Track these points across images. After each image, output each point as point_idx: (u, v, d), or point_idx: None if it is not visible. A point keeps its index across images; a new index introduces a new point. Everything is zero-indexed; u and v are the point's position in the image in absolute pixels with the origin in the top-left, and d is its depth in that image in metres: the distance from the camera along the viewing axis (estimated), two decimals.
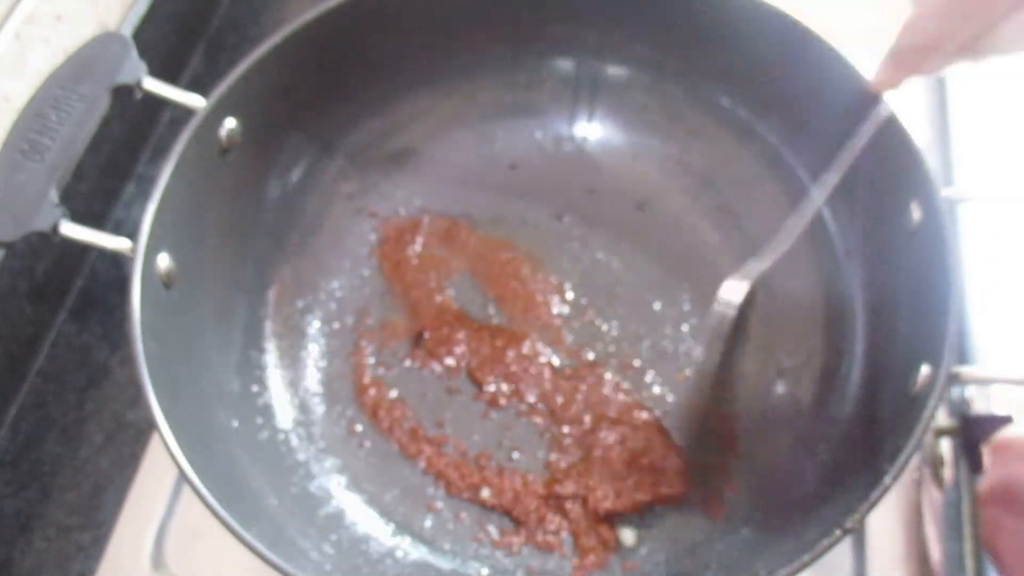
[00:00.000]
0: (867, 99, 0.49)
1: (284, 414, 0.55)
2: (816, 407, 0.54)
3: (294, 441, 0.55)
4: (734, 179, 0.61)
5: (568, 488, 0.52)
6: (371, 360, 0.57)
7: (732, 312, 0.53)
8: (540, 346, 0.57)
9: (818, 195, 0.51)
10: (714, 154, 0.62)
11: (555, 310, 0.59)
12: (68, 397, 0.61)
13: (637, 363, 0.57)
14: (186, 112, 0.50)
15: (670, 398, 0.56)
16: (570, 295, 0.59)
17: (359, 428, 0.56)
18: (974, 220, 0.60)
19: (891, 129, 0.49)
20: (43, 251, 0.61)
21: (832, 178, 0.50)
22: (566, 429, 0.55)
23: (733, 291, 0.53)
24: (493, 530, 0.52)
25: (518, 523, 0.52)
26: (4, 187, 0.45)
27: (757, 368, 0.56)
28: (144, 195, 0.47)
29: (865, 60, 0.50)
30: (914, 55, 0.45)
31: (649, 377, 0.57)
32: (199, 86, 0.51)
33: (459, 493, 0.53)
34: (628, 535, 0.52)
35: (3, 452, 0.59)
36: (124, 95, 0.49)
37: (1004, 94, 0.68)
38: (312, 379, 0.57)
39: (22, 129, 0.46)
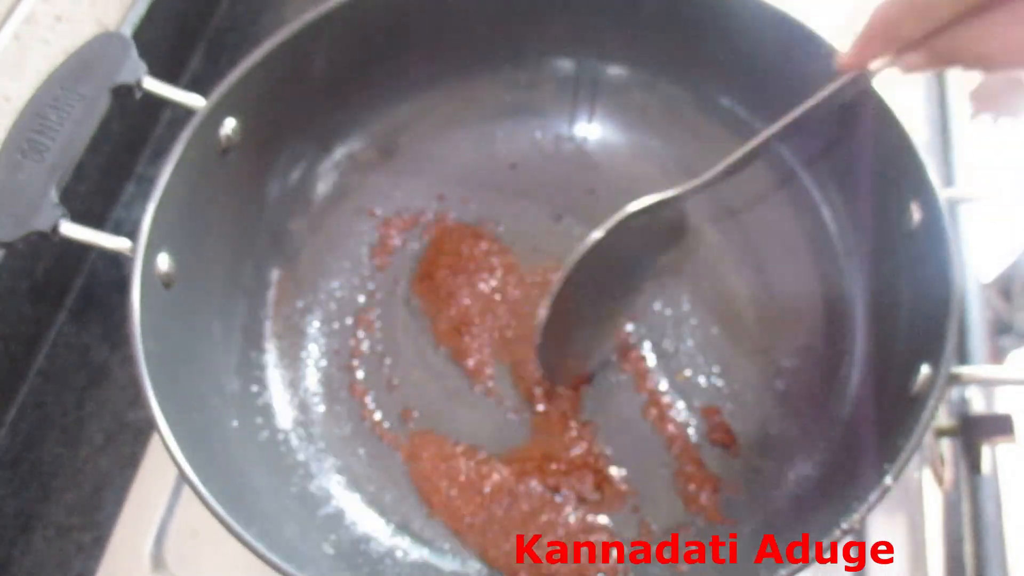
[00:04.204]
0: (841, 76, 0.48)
1: (284, 414, 0.55)
2: (816, 407, 0.54)
3: (294, 441, 0.55)
4: (734, 179, 0.61)
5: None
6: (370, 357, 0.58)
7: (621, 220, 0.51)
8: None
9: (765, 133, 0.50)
10: (714, 154, 0.62)
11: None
12: (68, 397, 0.61)
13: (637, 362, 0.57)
14: (186, 112, 0.50)
15: (669, 398, 0.56)
16: None
17: (358, 428, 0.56)
18: (974, 220, 0.60)
19: (891, 129, 0.49)
20: (43, 251, 0.61)
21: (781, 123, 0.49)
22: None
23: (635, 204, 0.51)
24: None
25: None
26: (4, 187, 0.45)
27: (757, 368, 0.56)
28: (144, 195, 0.47)
29: None
30: (879, 36, 0.43)
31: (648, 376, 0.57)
32: (199, 86, 0.51)
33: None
34: None
35: (3, 452, 0.59)
36: (124, 95, 0.49)
37: None
38: (312, 379, 0.57)
39: (22, 129, 0.46)
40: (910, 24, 0.42)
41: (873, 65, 0.45)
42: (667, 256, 0.58)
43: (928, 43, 0.42)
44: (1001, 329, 0.59)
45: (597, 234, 0.51)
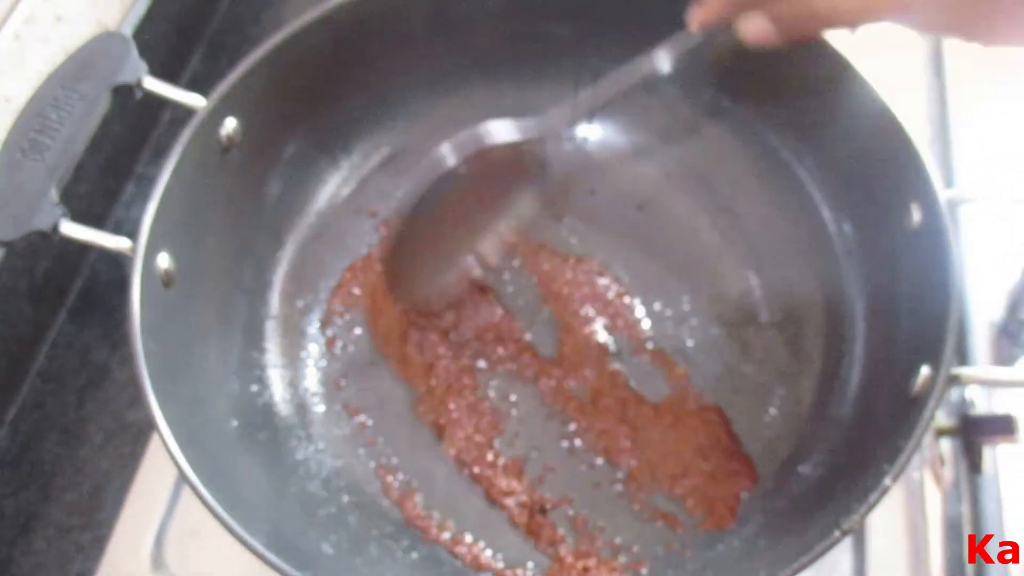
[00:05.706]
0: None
1: (284, 414, 0.55)
2: (816, 408, 0.54)
3: (294, 441, 0.55)
4: (734, 179, 0.61)
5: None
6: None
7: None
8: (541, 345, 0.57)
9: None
10: (714, 154, 0.62)
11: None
12: (68, 397, 0.61)
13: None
14: (186, 112, 0.50)
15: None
16: None
17: (358, 428, 0.56)
18: (974, 220, 0.60)
19: (891, 129, 0.49)
20: (43, 251, 0.61)
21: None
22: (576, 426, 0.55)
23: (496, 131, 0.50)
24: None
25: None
26: (4, 187, 0.45)
27: (757, 369, 0.56)
28: (144, 195, 0.47)
29: (865, 60, 0.50)
30: None
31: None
32: (199, 86, 0.51)
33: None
34: None
35: (3, 452, 0.59)
36: (124, 95, 0.49)
37: (1004, 95, 0.68)
38: (312, 379, 0.57)
39: (22, 129, 0.46)
40: None
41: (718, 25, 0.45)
42: (524, 196, 0.56)
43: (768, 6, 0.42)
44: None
45: (451, 160, 0.49)
